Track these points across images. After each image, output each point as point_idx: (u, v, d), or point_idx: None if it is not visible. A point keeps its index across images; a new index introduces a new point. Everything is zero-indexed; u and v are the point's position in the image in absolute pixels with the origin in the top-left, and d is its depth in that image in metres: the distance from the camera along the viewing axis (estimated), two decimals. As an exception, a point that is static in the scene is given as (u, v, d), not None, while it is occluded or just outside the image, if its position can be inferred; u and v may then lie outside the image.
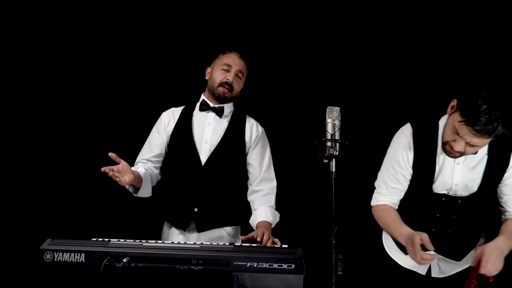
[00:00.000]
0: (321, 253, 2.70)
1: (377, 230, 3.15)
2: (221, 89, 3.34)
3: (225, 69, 3.34)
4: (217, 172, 3.31)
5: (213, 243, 2.75)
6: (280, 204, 3.83)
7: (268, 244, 2.92)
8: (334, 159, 2.50)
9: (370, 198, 3.04)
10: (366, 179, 3.19)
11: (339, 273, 2.56)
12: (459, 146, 2.69)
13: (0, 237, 4.22)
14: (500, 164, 2.82)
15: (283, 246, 2.68)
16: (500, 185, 2.88)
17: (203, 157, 3.31)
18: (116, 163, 2.96)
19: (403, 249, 3.01)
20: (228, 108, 3.41)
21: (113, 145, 4.17)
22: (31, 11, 4.25)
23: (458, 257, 2.98)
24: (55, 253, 2.69)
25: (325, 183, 2.92)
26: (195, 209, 3.30)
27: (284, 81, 4.19)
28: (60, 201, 4.27)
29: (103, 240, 2.77)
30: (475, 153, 2.76)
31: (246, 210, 3.43)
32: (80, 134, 4.31)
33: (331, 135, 2.51)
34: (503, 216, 2.94)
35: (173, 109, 3.49)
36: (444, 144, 2.77)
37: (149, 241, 2.75)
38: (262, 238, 2.97)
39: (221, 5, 4.18)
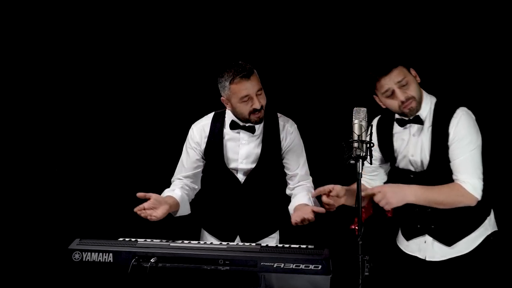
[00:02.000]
0: (347, 254, 2.69)
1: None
2: (253, 117, 3.17)
3: (245, 101, 3.12)
4: (257, 188, 3.28)
5: (240, 244, 2.75)
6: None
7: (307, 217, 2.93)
8: (360, 160, 2.49)
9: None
10: (390, 179, 3.21)
11: (366, 274, 2.54)
12: (400, 94, 2.89)
13: (29, 237, 4.27)
14: (442, 134, 2.91)
15: (309, 246, 2.68)
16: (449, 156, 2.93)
17: (241, 177, 3.27)
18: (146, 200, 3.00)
19: (405, 234, 3.11)
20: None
21: (140, 146, 4.24)
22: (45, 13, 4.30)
23: (448, 242, 2.99)
24: (83, 253, 2.72)
25: (351, 184, 2.93)
26: (239, 226, 3.31)
27: (310, 81, 4.18)
28: (88, 201, 4.31)
29: (131, 240, 2.80)
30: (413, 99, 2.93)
31: (285, 215, 3.39)
32: (109, 135, 4.35)
33: (358, 136, 2.50)
34: None
35: (202, 122, 3.35)
36: (397, 110, 2.96)
37: (176, 241, 2.76)
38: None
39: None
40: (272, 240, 3.37)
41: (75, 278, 2.72)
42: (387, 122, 3.11)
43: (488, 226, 3.05)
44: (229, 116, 3.28)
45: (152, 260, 2.63)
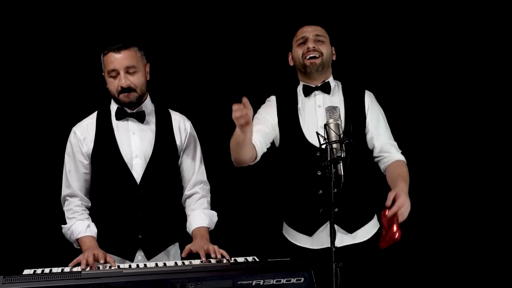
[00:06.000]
0: (318, 263, 2.53)
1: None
2: (122, 97, 2.86)
3: (113, 76, 2.84)
4: (156, 189, 2.91)
5: (204, 262, 2.47)
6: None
7: (218, 256, 2.62)
8: (341, 162, 2.33)
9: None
10: (294, 159, 3.04)
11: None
12: (310, 43, 2.98)
13: None
14: (356, 107, 2.99)
15: (251, 258, 2.53)
16: (367, 134, 2.99)
17: (137, 175, 2.89)
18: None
19: (306, 229, 2.99)
20: (148, 107, 2.97)
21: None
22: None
23: (350, 228, 2.97)
24: (17, 293, 2.26)
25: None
26: (140, 236, 2.89)
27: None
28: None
29: (72, 270, 2.39)
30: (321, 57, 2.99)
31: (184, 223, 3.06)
32: None
33: (339, 135, 2.34)
34: (382, 166, 3.02)
35: (85, 121, 2.97)
36: (301, 59, 3.00)
37: (129, 265, 2.42)
38: (207, 253, 2.65)
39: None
40: (176, 253, 3.02)
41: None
42: (287, 97, 3.08)
43: (377, 221, 3.08)
44: (114, 106, 2.95)
45: (109, 293, 2.26)
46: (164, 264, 2.52)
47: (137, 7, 3.80)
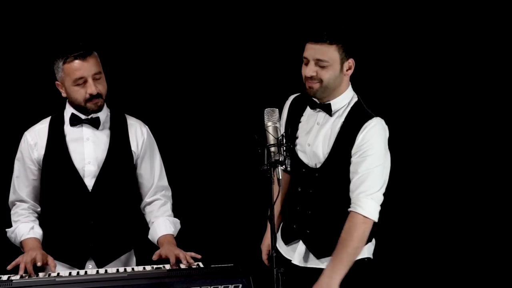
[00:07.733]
0: (258, 268, 2.49)
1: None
2: (90, 105, 2.78)
3: (79, 84, 2.74)
4: (109, 196, 2.84)
5: (140, 269, 2.41)
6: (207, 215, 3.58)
7: (189, 261, 2.60)
8: (279, 165, 2.29)
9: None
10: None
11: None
12: (309, 69, 2.62)
13: None
14: (347, 136, 2.70)
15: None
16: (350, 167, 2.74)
17: (89, 182, 2.82)
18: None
19: (283, 237, 2.92)
20: (104, 113, 2.90)
21: None
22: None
23: (318, 253, 2.83)
24: None
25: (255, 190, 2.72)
26: (91, 244, 2.82)
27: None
28: None
29: (3, 280, 2.33)
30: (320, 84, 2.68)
31: (140, 230, 3.02)
32: None
33: (276, 139, 2.30)
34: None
35: (37, 127, 2.90)
36: (304, 79, 2.71)
37: (64, 273, 2.37)
38: (177, 258, 2.61)
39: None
40: (129, 261, 2.96)
41: None
42: (301, 102, 2.85)
43: (365, 251, 2.85)
44: (68, 112, 2.86)
45: (42, 302, 2.20)
46: (104, 271, 2.46)
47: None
